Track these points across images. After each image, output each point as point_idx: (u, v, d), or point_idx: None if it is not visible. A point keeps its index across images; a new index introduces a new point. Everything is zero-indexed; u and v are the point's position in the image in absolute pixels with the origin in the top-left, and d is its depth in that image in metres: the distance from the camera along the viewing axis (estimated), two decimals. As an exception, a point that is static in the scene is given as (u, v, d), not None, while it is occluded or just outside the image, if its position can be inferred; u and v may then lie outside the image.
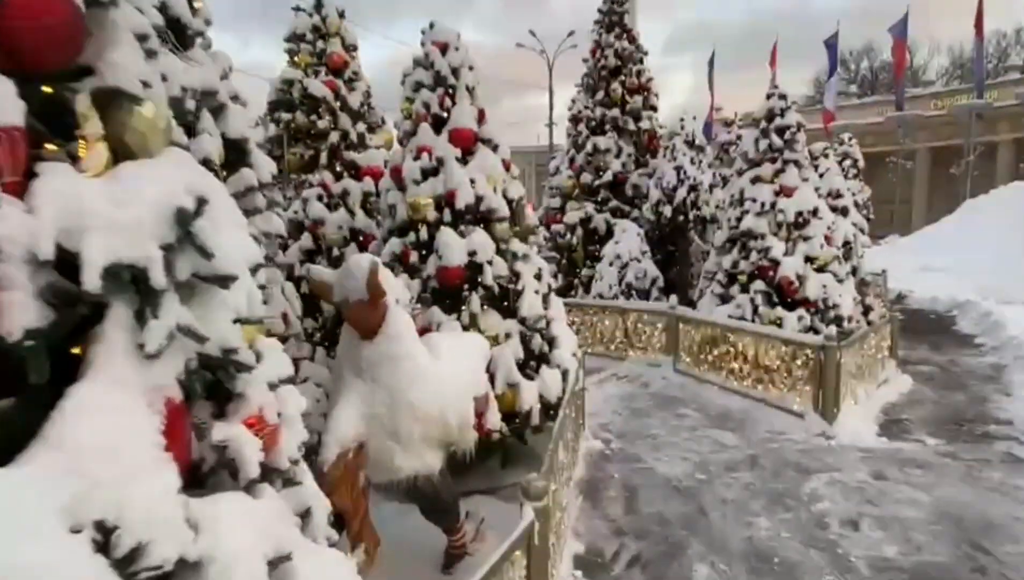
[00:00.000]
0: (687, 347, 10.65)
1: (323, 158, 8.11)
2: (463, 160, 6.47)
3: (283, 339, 6.33)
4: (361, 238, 7.99)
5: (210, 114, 4.30)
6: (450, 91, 6.56)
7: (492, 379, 6.06)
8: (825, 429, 8.15)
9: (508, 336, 6.35)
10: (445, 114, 6.53)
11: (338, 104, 8.25)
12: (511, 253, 6.46)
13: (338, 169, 8.13)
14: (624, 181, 14.17)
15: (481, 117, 6.66)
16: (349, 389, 4.42)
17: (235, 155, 4.54)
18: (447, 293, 6.20)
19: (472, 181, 6.32)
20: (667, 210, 13.04)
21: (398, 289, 4.60)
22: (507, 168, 6.79)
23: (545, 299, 6.82)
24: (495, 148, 6.73)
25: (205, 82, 4.24)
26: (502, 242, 6.49)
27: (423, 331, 6.05)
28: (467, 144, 6.51)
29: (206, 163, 4.16)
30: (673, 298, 11.21)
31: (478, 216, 6.36)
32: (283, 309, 6.31)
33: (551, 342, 6.69)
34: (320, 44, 8.48)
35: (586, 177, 14.24)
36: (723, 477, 6.94)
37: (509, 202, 6.61)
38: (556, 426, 5.25)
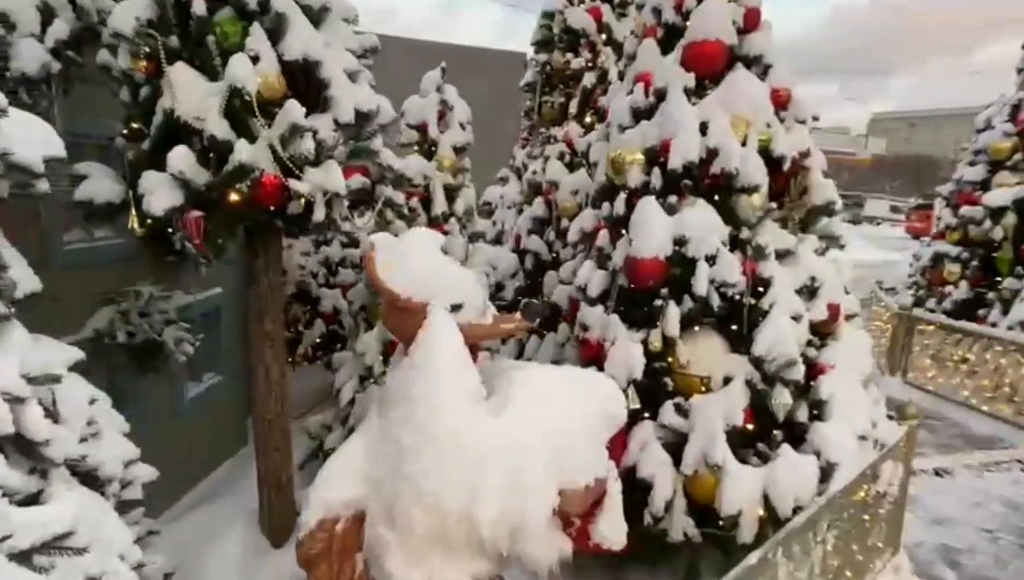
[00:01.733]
0: None
1: (573, 106, 6.53)
2: (700, 91, 4.09)
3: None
4: (604, 208, 6.22)
5: (262, 29, 3.27)
6: (697, -15, 4.18)
7: (679, 449, 3.76)
8: None
9: (727, 382, 3.86)
10: (684, 22, 4.20)
11: (602, 37, 6.49)
12: (757, 246, 3.85)
13: (588, 119, 6.46)
14: (1120, 141, 8.44)
15: (749, 22, 4.09)
16: (362, 430, 2.98)
17: (308, 85, 3.45)
18: (637, 298, 4.07)
19: (703, 125, 3.93)
20: None
21: (460, 288, 2.87)
22: (782, 104, 4.08)
23: (822, 332, 3.98)
24: (765, 71, 4.10)
25: (255, -15, 3.20)
26: (746, 227, 3.94)
27: (595, 351, 4.12)
28: (712, 65, 4.07)
29: (236, 93, 3.18)
30: None
31: (708, 181, 3.95)
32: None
33: (817, 408, 3.87)
34: (597, -38, 6.77)
35: (1040, 135, 8.99)
36: None
37: (773, 162, 3.95)
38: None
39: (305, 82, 3.45)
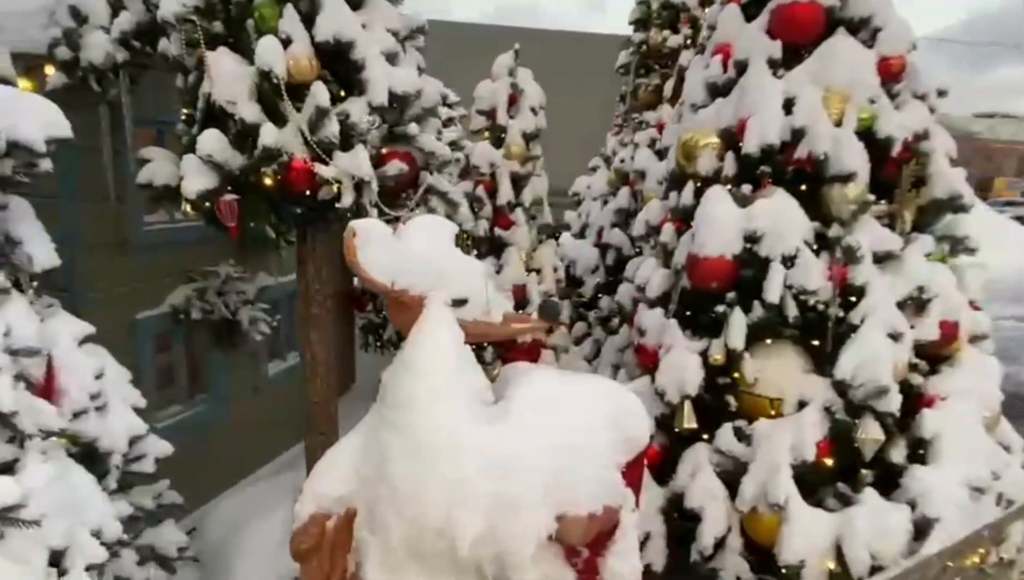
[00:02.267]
0: None
1: (669, 88, 5.98)
2: (792, 63, 3.47)
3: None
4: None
5: (296, 11, 3.22)
6: (794, -65, 3.54)
7: (737, 479, 3.25)
8: None
9: (803, 407, 3.26)
10: (776, -19, 3.58)
11: (704, 11, 5.86)
12: (847, 247, 3.19)
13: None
14: None
15: (858, -24, 3.40)
16: (363, 423, 2.83)
17: (341, 66, 3.34)
18: (700, 302, 3.56)
19: (788, 102, 3.33)
20: None
21: (463, 282, 2.61)
22: (894, 75, 3.36)
23: (933, 355, 3.24)
24: (873, 35, 3.39)
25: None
26: (838, 223, 3.28)
27: (652, 358, 3.70)
28: (805, 31, 3.45)
29: (265, 76, 3.14)
30: None
31: (792, 168, 3.35)
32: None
33: (918, 448, 3.15)
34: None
35: None
36: None
37: (879, 146, 3.26)
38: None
39: (344, 64, 3.36)
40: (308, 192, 3.33)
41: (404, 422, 2.43)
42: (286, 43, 3.16)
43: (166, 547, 2.96)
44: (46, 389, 2.33)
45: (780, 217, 3.26)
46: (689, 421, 3.46)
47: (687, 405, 3.46)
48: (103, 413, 2.62)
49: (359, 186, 3.28)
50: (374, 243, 2.43)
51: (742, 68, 3.55)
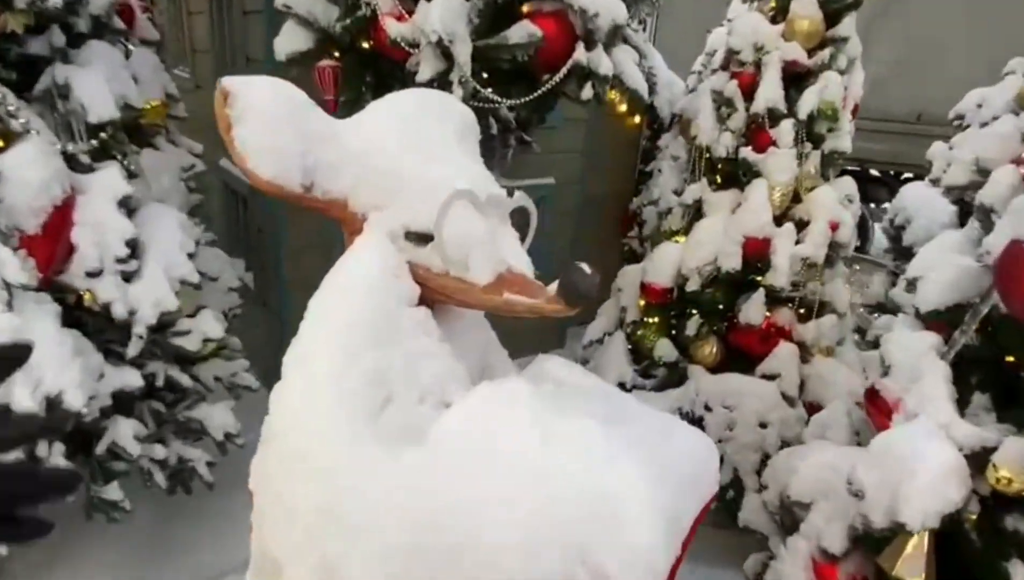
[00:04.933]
0: None
1: None
2: None
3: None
4: None
5: None
6: None
7: None
8: None
9: None
10: None
11: None
12: None
13: None
14: None
15: None
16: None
17: None
18: (1007, 338, 1.62)
19: None
20: None
21: (432, 203, 1.53)
22: None
23: None
24: None
25: None
26: None
27: (889, 417, 2.01)
28: None
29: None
30: None
31: None
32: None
33: None
34: None
35: None
36: None
37: None
38: None
39: None
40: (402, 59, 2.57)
41: (273, 399, 1.63)
42: None
43: (214, 429, 2.88)
44: (46, 241, 2.27)
45: None
46: (912, 572, 1.72)
47: (915, 541, 1.71)
48: (133, 280, 2.52)
49: (447, 55, 2.35)
50: (268, 115, 1.48)
51: None
